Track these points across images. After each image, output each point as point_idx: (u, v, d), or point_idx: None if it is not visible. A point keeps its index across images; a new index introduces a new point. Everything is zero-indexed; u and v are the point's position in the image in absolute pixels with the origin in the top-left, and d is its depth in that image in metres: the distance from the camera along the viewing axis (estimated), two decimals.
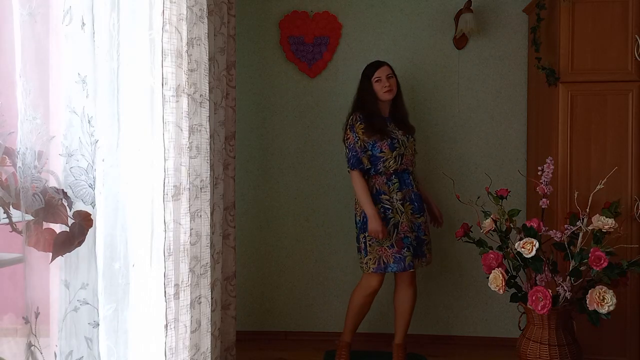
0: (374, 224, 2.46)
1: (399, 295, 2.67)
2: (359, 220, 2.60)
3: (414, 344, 3.01)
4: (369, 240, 2.52)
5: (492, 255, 2.18)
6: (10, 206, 1.24)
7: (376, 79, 2.59)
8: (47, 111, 1.34)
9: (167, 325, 1.55)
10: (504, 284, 2.09)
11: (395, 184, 2.57)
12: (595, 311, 2.00)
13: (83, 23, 1.41)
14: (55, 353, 1.42)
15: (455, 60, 3.11)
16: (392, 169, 2.56)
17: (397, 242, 2.49)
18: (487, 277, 2.17)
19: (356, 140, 2.56)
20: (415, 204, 2.59)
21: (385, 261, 2.49)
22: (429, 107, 3.12)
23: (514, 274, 2.22)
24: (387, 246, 2.49)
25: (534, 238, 2.08)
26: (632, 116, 2.55)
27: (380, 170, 2.56)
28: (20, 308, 1.26)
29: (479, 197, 2.43)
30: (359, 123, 2.57)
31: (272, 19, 3.16)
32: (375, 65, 2.62)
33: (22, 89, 1.25)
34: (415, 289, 2.67)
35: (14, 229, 1.26)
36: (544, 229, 2.16)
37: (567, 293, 2.04)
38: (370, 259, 2.51)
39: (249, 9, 3.15)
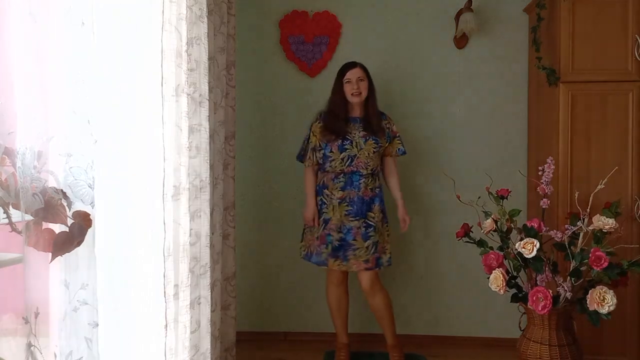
0: (307, 211, 2.66)
1: (369, 302, 2.67)
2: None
3: (414, 344, 3.01)
4: (306, 229, 2.71)
5: (492, 255, 2.18)
6: (10, 206, 1.24)
7: (346, 80, 2.61)
8: (46, 111, 1.34)
9: (166, 325, 1.55)
10: (504, 284, 2.09)
11: (340, 183, 2.60)
12: (595, 311, 2.00)
13: (83, 23, 1.41)
14: (55, 353, 1.41)
15: (456, 60, 3.11)
16: (338, 169, 2.60)
17: (321, 237, 2.61)
18: (488, 278, 2.17)
19: (307, 138, 2.72)
20: (354, 206, 2.57)
21: (311, 251, 2.65)
22: (429, 107, 3.12)
23: (515, 274, 2.22)
24: (316, 237, 2.64)
25: (535, 238, 2.08)
26: (633, 116, 2.55)
27: (327, 169, 2.63)
28: (20, 308, 1.26)
29: (479, 197, 2.42)
30: (317, 122, 2.69)
31: (272, 18, 3.16)
32: (348, 66, 2.64)
33: (21, 89, 1.25)
34: (382, 295, 2.63)
35: (14, 229, 1.26)
36: (544, 229, 2.15)
37: (568, 293, 2.04)
38: (303, 245, 2.72)
39: (249, 9, 3.14)
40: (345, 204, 2.57)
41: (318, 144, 2.65)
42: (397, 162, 2.98)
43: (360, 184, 2.58)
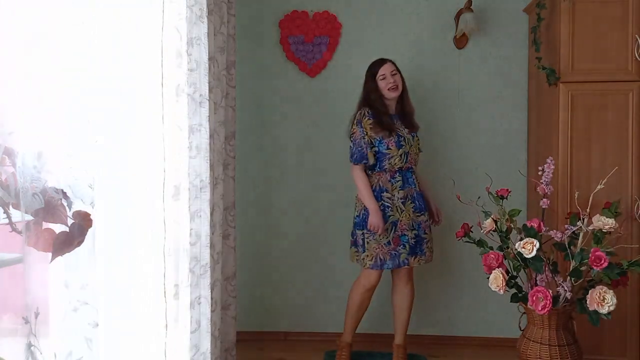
0: (374, 218, 2.49)
1: (397, 294, 2.70)
2: (357, 216, 2.63)
3: (414, 344, 3.00)
4: (367, 237, 2.55)
5: (492, 255, 2.17)
6: (10, 206, 1.24)
7: (381, 76, 2.59)
8: (46, 111, 1.34)
9: (166, 325, 1.55)
10: (504, 284, 2.09)
11: (398, 182, 2.57)
12: (595, 311, 2.00)
13: (82, 22, 1.40)
14: (55, 353, 1.41)
15: (456, 60, 3.11)
16: (397, 166, 2.56)
17: (394, 240, 2.54)
18: (488, 278, 2.17)
19: (362, 135, 2.55)
20: (417, 202, 2.60)
21: (382, 258, 2.53)
22: (429, 107, 3.12)
23: (515, 274, 2.22)
24: (384, 243, 2.53)
25: (535, 238, 2.08)
26: (633, 116, 2.55)
27: (385, 167, 2.56)
28: (20, 308, 1.26)
29: (479, 197, 2.42)
30: (367, 118, 2.57)
31: (272, 18, 3.16)
32: (379, 63, 2.62)
33: (21, 89, 1.25)
34: (413, 288, 2.69)
35: (14, 229, 1.26)
36: (544, 229, 2.15)
37: (568, 293, 2.04)
38: (367, 255, 2.55)
39: (249, 9, 3.14)
40: (410, 201, 2.59)
41: (371, 141, 2.56)
42: None
43: (413, 180, 2.62)
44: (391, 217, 2.54)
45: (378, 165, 2.57)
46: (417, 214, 2.59)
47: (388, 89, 2.57)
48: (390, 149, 2.54)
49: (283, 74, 3.17)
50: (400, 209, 2.56)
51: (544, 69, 2.60)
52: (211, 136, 2.09)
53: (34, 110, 1.29)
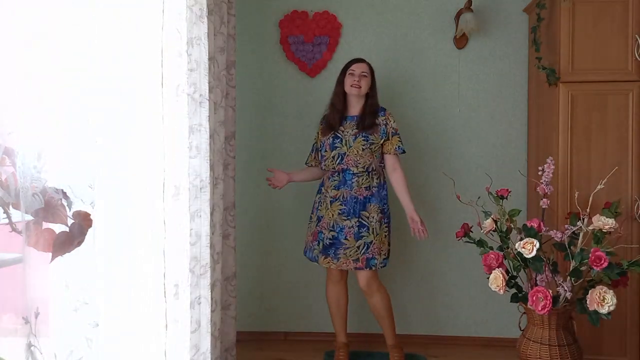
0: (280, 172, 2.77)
1: (369, 302, 2.68)
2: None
3: (414, 344, 3.01)
4: (309, 223, 2.74)
5: (492, 255, 2.18)
6: (10, 206, 1.24)
7: (350, 71, 2.63)
8: (46, 111, 1.34)
9: (166, 325, 1.55)
10: (504, 284, 2.09)
11: (334, 182, 2.62)
12: (595, 311, 2.00)
13: (83, 23, 1.41)
14: (55, 353, 1.41)
15: (456, 60, 3.11)
16: (330, 167, 2.62)
17: (314, 234, 2.65)
18: (488, 278, 2.17)
19: (315, 139, 2.78)
20: (347, 205, 2.55)
21: (305, 246, 2.73)
22: (429, 107, 3.12)
23: (515, 274, 2.22)
24: (310, 234, 2.69)
25: (535, 238, 2.08)
26: (633, 116, 2.55)
27: (323, 167, 2.67)
28: (20, 308, 1.26)
29: (479, 197, 2.42)
30: (320, 124, 2.75)
31: (272, 18, 3.16)
32: (355, 60, 2.67)
33: (21, 89, 1.25)
34: (381, 294, 2.62)
35: (14, 229, 1.26)
36: (544, 229, 2.15)
37: (568, 293, 2.04)
38: (305, 240, 2.77)
39: (249, 9, 3.14)
40: (339, 202, 2.58)
41: (319, 144, 2.72)
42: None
43: (352, 182, 2.57)
44: (318, 211, 2.66)
45: (322, 166, 2.70)
46: (343, 217, 2.55)
47: (350, 85, 2.60)
48: (326, 151, 2.63)
49: (283, 74, 3.17)
50: (327, 206, 2.61)
51: (544, 69, 2.61)
52: (211, 136, 2.09)
53: (34, 110, 1.29)
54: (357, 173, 2.57)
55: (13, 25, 1.26)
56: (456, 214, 3.03)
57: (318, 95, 3.15)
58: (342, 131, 2.62)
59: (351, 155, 2.57)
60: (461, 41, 3.08)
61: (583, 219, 2.13)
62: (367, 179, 2.59)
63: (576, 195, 2.26)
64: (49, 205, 1.31)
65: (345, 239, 2.54)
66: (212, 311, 1.95)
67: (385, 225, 2.62)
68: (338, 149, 2.59)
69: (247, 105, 3.15)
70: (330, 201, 2.59)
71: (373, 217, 2.56)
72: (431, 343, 3.08)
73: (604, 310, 1.97)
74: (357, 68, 2.61)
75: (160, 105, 1.55)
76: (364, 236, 2.54)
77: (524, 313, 2.24)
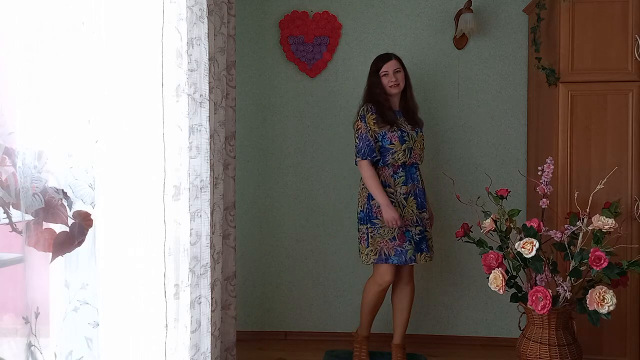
0: (389, 212, 2.44)
1: (397, 293, 2.70)
2: (361, 210, 2.59)
3: (414, 344, 3.01)
4: (370, 232, 2.53)
5: (492, 255, 2.18)
6: (10, 206, 1.24)
7: (383, 72, 2.60)
8: (46, 111, 1.34)
9: (167, 325, 1.55)
10: (504, 284, 2.09)
11: (402, 178, 2.57)
12: (595, 311, 2.00)
13: (83, 23, 1.41)
14: (55, 353, 1.42)
15: (456, 60, 3.11)
16: (400, 161, 2.56)
17: (399, 236, 2.50)
18: (487, 277, 2.17)
19: (367, 130, 2.54)
20: (419, 199, 2.59)
21: (387, 253, 2.49)
22: (429, 107, 3.12)
23: (514, 274, 2.22)
24: (389, 239, 2.49)
25: (534, 238, 2.08)
26: (632, 116, 2.55)
27: (388, 162, 2.55)
28: (20, 308, 1.26)
29: (479, 197, 2.43)
30: (370, 114, 2.56)
31: (272, 19, 3.16)
32: (383, 59, 2.62)
33: (22, 89, 1.25)
34: (413, 287, 2.69)
35: (14, 229, 1.26)
36: (544, 229, 2.16)
37: (567, 293, 2.04)
38: (372, 250, 2.52)
39: (249, 9, 3.15)
40: (412, 197, 2.57)
41: (375, 136, 2.55)
42: None
43: (417, 176, 2.61)
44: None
45: (381, 160, 2.56)
46: (420, 211, 2.58)
47: (390, 86, 2.58)
48: (393, 143, 2.53)
49: (283, 74, 3.17)
50: (403, 204, 2.54)
51: (543, 69, 2.61)
52: (211, 136, 2.10)
53: (34, 110, 1.29)
54: (419, 167, 2.64)
55: (13, 25, 1.26)
56: (456, 214, 3.04)
57: (318, 96, 3.16)
58: (403, 125, 2.60)
59: (416, 149, 2.60)
60: (461, 41, 3.08)
61: (583, 219, 2.13)
62: (421, 172, 2.67)
63: (576, 195, 2.26)
64: (49, 205, 1.31)
65: (426, 230, 2.60)
66: (212, 311, 1.95)
67: None
68: (407, 142, 2.56)
69: (247, 105, 3.15)
70: (404, 198, 2.56)
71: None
72: (431, 343, 3.08)
73: (603, 310, 1.97)
74: (389, 67, 2.59)
75: (161, 105, 1.55)
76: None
77: (524, 313, 2.24)
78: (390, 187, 2.55)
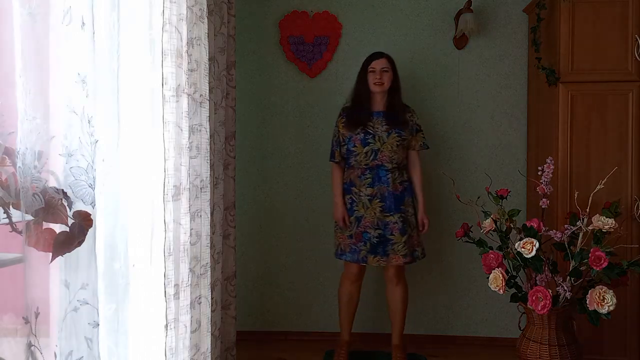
0: (336, 211, 2.65)
1: (388, 295, 2.72)
2: None
3: (414, 344, 3.01)
4: (335, 228, 2.71)
5: (492, 255, 2.18)
6: (10, 206, 1.24)
7: (371, 69, 2.62)
8: (47, 111, 1.34)
9: (167, 325, 1.55)
10: (504, 284, 2.09)
11: (367, 179, 2.59)
12: (595, 311, 2.00)
13: (83, 23, 1.40)
14: (55, 353, 1.41)
15: (456, 60, 3.11)
16: (363, 164, 2.59)
17: (356, 235, 2.58)
18: (487, 277, 2.17)
19: (335, 134, 2.69)
20: (387, 202, 2.57)
21: (343, 249, 2.63)
22: (429, 107, 3.12)
23: (514, 274, 2.22)
24: (347, 236, 2.62)
25: (534, 238, 2.08)
26: (632, 116, 2.55)
27: (352, 164, 2.62)
28: (20, 308, 1.25)
29: (479, 197, 2.43)
30: (340, 117, 2.68)
31: (272, 19, 3.16)
32: (374, 56, 2.64)
33: (22, 89, 1.25)
34: (404, 288, 2.69)
35: (14, 229, 1.26)
36: (544, 229, 2.16)
37: (567, 293, 2.04)
38: (334, 244, 2.71)
39: (249, 9, 3.15)
40: (377, 200, 2.57)
41: (342, 139, 2.65)
42: None
43: (388, 179, 2.58)
44: (356, 212, 2.60)
45: (347, 162, 2.65)
46: (386, 214, 2.56)
47: (374, 83, 2.60)
48: (356, 146, 2.59)
49: (283, 74, 3.17)
50: (366, 206, 2.58)
51: (543, 69, 2.61)
52: (211, 136, 2.09)
53: (34, 110, 1.29)
54: (390, 169, 2.59)
55: (13, 25, 1.26)
56: (456, 214, 3.04)
57: (318, 96, 3.16)
58: (373, 127, 2.59)
59: (385, 152, 2.57)
60: (461, 41, 3.08)
61: (583, 219, 2.13)
62: (399, 174, 2.62)
63: (576, 195, 2.26)
64: (50, 205, 1.31)
65: (392, 234, 2.56)
66: (212, 311, 1.95)
67: (416, 217, 2.69)
68: (371, 144, 2.57)
69: (247, 105, 3.15)
70: (368, 200, 2.57)
71: (409, 211, 2.62)
72: (431, 343, 3.08)
73: (603, 310, 1.98)
74: (377, 65, 2.60)
75: (161, 105, 1.55)
76: (407, 230, 2.59)
77: (524, 313, 2.24)
78: (355, 187, 2.61)
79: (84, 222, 1.39)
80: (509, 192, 2.34)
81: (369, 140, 2.57)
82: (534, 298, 2.03)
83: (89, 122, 1.41)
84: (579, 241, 2.13)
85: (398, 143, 2.59)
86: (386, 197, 2.57)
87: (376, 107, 2.65)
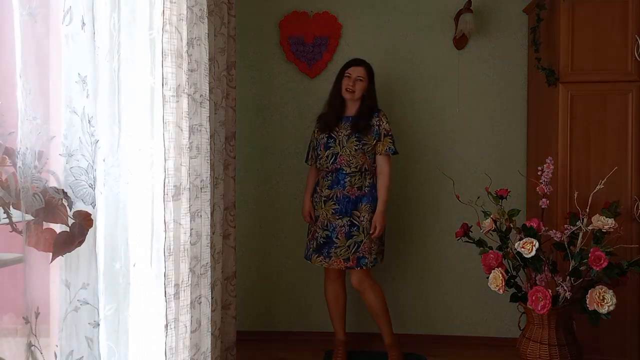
0: (303, 208, 2.77)
1: (364, 300, 2.71)
2: None
3: (414, 344, 3.01)
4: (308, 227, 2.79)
5: (492, 255, 2.18)
6: (11, 206, 1.24)
7: (346, 74, 2.64)
8: (47, 111, 1.34)
9: (167, 325, 1.55)
10: (503, 283, 2.09)
11: (328, 181, 2.64)
12: (595, 311, 2.00)
13: (83, 23, 1.41)
14: (55, 353, 1.41)
15: (455, 61, 3.11)
16: (325, 166, 2.64)
17: (312, 233, 2.70)
18: (487, 277, 2.17)
19: (311, 139, 2.80)
20: (340, 205, 2.58)
21: (306, 246, 2.75)
22: (429, 107, 3.12)
23: (514, 273, 2.22)
24: (307, 233, 2.75)
25: (534, 238, 2.08)
26: (632, 116, 2.56)
27: (318, 166, 2.70)
28: (20, 308, 1.25)
29: (479, 197, 2.43)
30: (316, 122, 2.78)
31: (272, 19, 3.16)
32: (353, 62, 2.67)
33: (22, 89, 1.25)
34: (374, 292, 2.64)
35: (14, 229, 1.26)
36: (543, 229, 2.16)
37: (567, 293, 2.04)
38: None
39: (249, 9, 3.15)
40: (332, 202, 2.60)
41: (315, 143, 2.74)
42: (397, 162, 2.98)
43: (345, 182, 2.60)
44: (316, 211, 2.69)
45: (317, 164, 2.72)
46: (336, 217, 2.58)
47: (345, 89, 2.63)
48: (321, 150, 2.65)
49: (283, 75, 3.17)
50: (322, 206, 2.64)
51: (543, 69, 2.61)
52: (212, 136, 2.10)
53: (34, 110, 1.29)
54: (349, 173, 2.59)
55: (13, 25, 1.26)
56: (456, 214, 3.04)
57: (318, 96, 3.15)
58: (337, 131, 2.64)
59: (344, 155, 2.59)
60: (461, 42, 3.08)
61: (583, 219, 2.14)
62: (359, 178, 2.61)
63: (576, 195, 2.26)
64: (50, 205, 1.31)
65: (337, 237, 2.57)
66: (212, 311, 1.95)
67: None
68: (332, 148, 2.62)
69: (247, 105, 3.16)
70: (324, 200, 2.63)
71: (364, 217, 2.58)
72: (431, 343, 3.08)
73: (603, 310, 1.98)
74: (353, 72, 2.62)
75: (161, 105, 1.55)
76: (355, 235, 2.56)
77: (524, 313, 2.24)
78: (319, 187, 2.69)
79: (84, 222, 1.39)
80: (509, 192, 2.34)
81: (330, 144, 2.63)
82: (533, 298, 2.03)
83: (89, 122, 1.41)
84: (579, 241, 2.13)
85: (356, 148, 2.59)
86: (340, 200, 2.59)
87: (348, 112, 2.69)
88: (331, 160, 2.61)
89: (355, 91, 2.61)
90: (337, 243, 2.56)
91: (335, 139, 2.63)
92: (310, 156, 2.79)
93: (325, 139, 2.64)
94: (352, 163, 2.59)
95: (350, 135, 2.60)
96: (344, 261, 2.55)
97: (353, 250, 2.55)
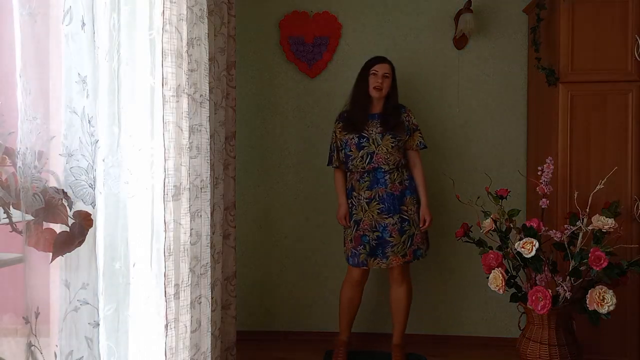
0: (339, 211, 2.71)
1: (391, 294, 2.72)
2: None
3: (414, 344, 3.01)
4: (344, 233, 2.71)
5: (492, 255, 2.18)
6: (11, 206, 1.24)
7: (373, 72, 2.62)
8: (47, 111, 1.34)
9: (167, 325, 1.55)
10: (503, 283, 2.09)
11: (365, 182, 2.61)
12: (595, 311, 2.00)
13: (83, 23, 1.41)
14: (55, 353, 1.41)
15: (455, 61, 3.11)
16: (360, 167, 2.61)
17: (355, 239, 2.61)
18: (487, 277, 2.17)
19: (332, 139, 2.73)
20: (385, 204, 2.58)
21: (347, 253, 2.66)
22: (429, 107, 3.12)
23: (514, 273, 2.22)
24: (349, 240, 2.65)
25: (534, 238, 2.09)
26: (632, 116, 2.56)
27: (350, 168, 2.64)
28: (20, 308, 1.26)
29: (479, 197, 2.43)
30: (337, 123, 2.72)
31: (272, 19, 3.16)
32: (377, 60, 2.66)
33: (22, 89, 1.25)
34: (408, 288, 2.69)
35: (14, 229, 1.26)
36: (543, 229, 2.16)
37: (567, 293, 2.04)
38: (344, 249, 2.71)
39: (249, 9, 3.15)
40: (376, 202, 2.58)
41: (339, 144, 2.68)
42: None
43: (386, 180, 2.59)
44: (355, 215, 2.63)
45: (346, 167, 2.68)
46: (384, 216, 2.57)
47: (373, 87, 2.61)
48: (352, 151, 2.62)
49: (283, 75, 3.17)
50: (364, 209, 2.60)
51: (543, 69, 2.61)
52: (212, 136, 2.10)
53: (34, 110, 1.29)
54: (388, 170, 2.60)
55: (13, 26, 1.26)
56: (456, 214, 3.04)
57: (318, 96, 3.16)
58: (367, 130, 2.62)
59: (381, 154, 2.58)
60: (461, 42, 3.08)
61: (583, 219, 2.14)
62: (398, 174, 2.62)
63: (576, 195, 2.26)
64: (50, 205, 1.31)
65: (391, 236, 2.56)
66: (212, 311, 1.95)
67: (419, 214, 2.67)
68: (366, 148, 2.59)
69: (247, 105, 3.15)
70: (367, 202, 2.59)
71: (411, 210, 2.62)
72: (431, 343, 3.08)
73: (603, 310, 1.98)
74: (380, 69, 2.61)
75: (161, 105, 1.55)
76: (407, 230, 2.59)
77: (524, 313, 2.24)
78: (355, 191, 2.64)
79: (84, 222, 1.39)
80: (509, 192, 2.34)
81: (363, 144, 2.60)
82: (533, 298, 2.03)
83: (89, 122, 1.41)
84: (579, 241, 2.13)
85: (392, 145, 2.60)
86: (384, 199, 2.58)
87: (373, 109, 2.67)
88: (367, 160, 2.59)
89: (383, 88, 2.61)
90: (392, 242, 2.56)
91: (368, 138, 2.60)
92: (334, 158, 2.71)
93: (357, 138, 2.60)
94: (390, 160, 2.60)
95: (383, 133, 2.60)
96: (401, 257, 2.58)
97: (409, 245, 2.59)
